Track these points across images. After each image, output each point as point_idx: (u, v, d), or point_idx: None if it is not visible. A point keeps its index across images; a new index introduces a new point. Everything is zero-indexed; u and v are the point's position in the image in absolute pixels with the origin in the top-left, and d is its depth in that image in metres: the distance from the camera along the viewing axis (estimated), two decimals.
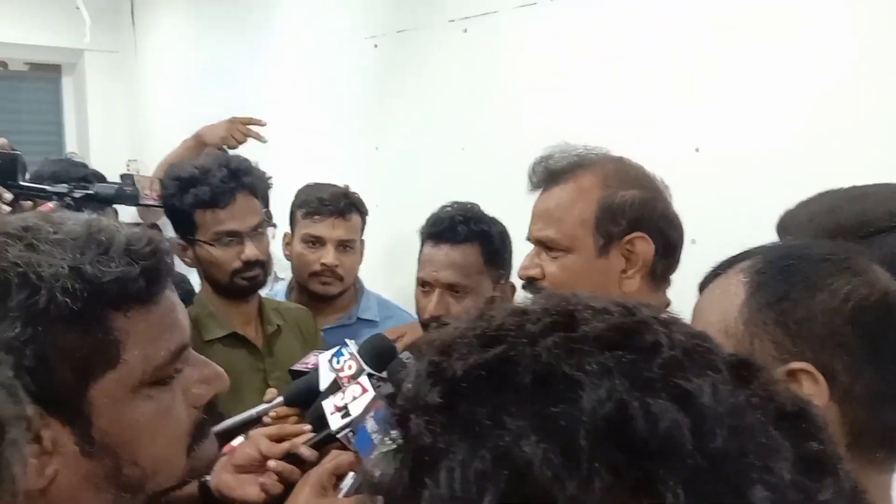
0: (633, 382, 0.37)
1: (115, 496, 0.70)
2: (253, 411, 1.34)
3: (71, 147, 4.46)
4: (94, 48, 4.18)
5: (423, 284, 1.62)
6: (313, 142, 3.13)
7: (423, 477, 0.38)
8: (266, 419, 1.33)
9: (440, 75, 2.63)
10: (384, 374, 1.23)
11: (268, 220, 1.74)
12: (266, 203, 2.48)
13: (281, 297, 2.07)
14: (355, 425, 1.12)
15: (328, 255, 1.95)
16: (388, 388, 1.19)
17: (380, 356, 1.28)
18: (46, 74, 4.51)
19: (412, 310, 2.03)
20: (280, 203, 2.06)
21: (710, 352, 0.42)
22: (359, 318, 2.06)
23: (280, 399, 1.35)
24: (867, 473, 0.72)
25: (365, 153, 2.91)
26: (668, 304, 1.30)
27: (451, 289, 1.59)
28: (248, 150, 2.94)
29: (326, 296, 1.99)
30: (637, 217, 1.26)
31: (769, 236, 1.78)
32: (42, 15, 4.11)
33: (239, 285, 1.66)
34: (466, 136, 2.56)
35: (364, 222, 2.07)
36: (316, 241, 1.97)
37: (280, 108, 3.32)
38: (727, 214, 1.93)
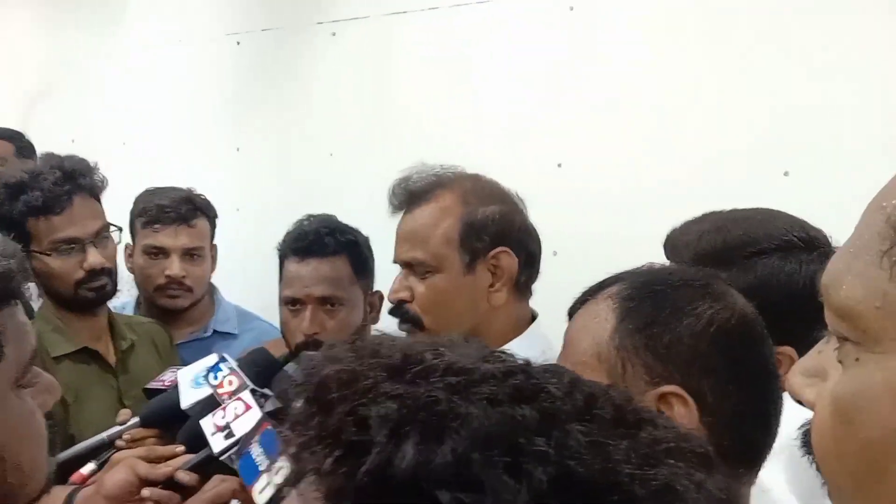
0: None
1: None
2: (104, 434, 1.24)
3: None
4: None
5: (293, 303, 1.54)
6: (169, 142, 2.97)
7: None
8: (119, 442, 1.23)
9: (307, 78, 2.57)
10: (266, 391, 1.18)
11: (112, 224, 1.62)
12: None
13: (129, 312, 1.93)
14: (241, 448, 1.06)
15: (173, 266, 1.81)
16: (272, 404, 1.13)
17: (262, 371, 1.23)
18: None
19: (274, 318, 1.97)
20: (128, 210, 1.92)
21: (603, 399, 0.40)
22: (215, 331, 1.96)
23: (136, 420, 1.26)
24: (735, 491, 0.76)
25: (225, 154, 2.79)
26: (532, 314, 1.35)
27: (325, 303, 1.53)
28: (96, 149, 2.75)
29: (176, 309, 1.87)
30: (499, 232, 1.30)
31: (628, 248, 1.92)
32: None
33: (84, 297, 1.54)
34: (334, 142, 2.52)
35: (213, 226, 1.93)
36: (159, 252, 1.83)
37: (133, 105, 3.13)
38: (587, 227, 2.02)
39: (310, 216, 1.64)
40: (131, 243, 1.90)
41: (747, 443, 0.77)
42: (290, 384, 0.92)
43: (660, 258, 1.82)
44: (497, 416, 0.35)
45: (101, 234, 1.55)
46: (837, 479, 0.52)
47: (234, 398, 1.14)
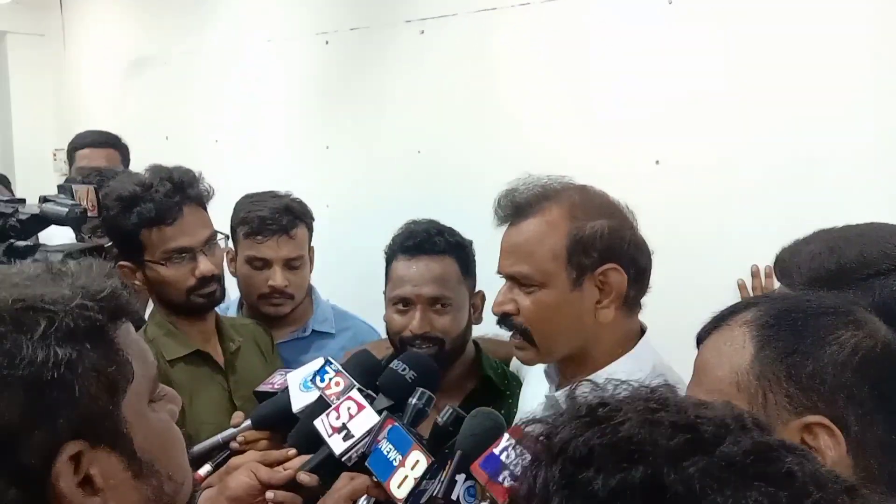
0: None
1: None
2: (219, 437, 1.29)
3: None
4: (17, 30, 3.93)
5: (403, 303, 1.55)
6: (260, 140, 3.04)
7: None
8: (233, 444, 1.28)
9: (395, 76, 2.58)
10: (370, 392, 1.20)
11: (220, 232, 1.66)
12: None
13: (233, 313, 2.00)
14: (369, 445, 1.09)
15: (276, 277, 1.85)
16: (381, 402, 1.17)
17: (367, 371, 1.26)
18: None
19: (368, 313, 2.00)
20: (226, 208, 1.98)
21: (836, 480, 0.44)
22: (314, 331, 2.01)
23: (248, 423, 1.31)
24: None
25: (315, 152, 2.84)
26: (642, 328, 1.32)
27: (435, 303, 1.54)
28: (189, 147, 2.85)
29: (279, 316, 1.93)
30: (608, 247, 1.26)
31: (730, 246, 1.87)
32: None
33: (196, 303, 1.58)
34: (423, 139, 2.53)
35: (311, 230, 1.97)
36: (262, 263, 1.87)
37: (223, 104, 3.21)
38: (688, 224, 1.98)
39: (412, 221, 1.64)
40: (233, 249, 1.96)
41: (893, 473, 0.75)
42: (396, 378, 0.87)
43: (756, 256, 1.79)
44: None
45: (210, 242, 1.60)
46: None
47: (345, 398, 1.17)
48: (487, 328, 1.57)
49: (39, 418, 0.62)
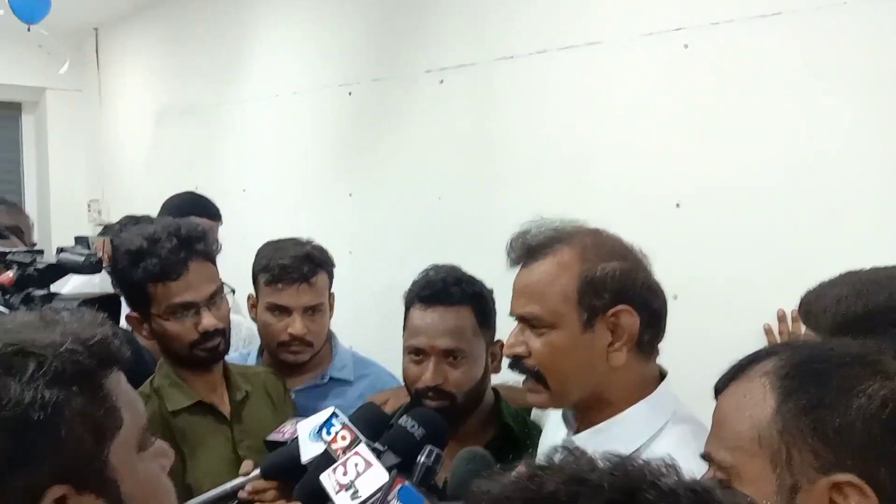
0: None
1: None
2: (228, 485, 1.28)
3: (30, 185, 4.35)
4: (56, 86, 4.10)
5: (416, 353, 1.54)
6: (286, 187, 3.10)
7: None
8: (242, 494, 1.27)
9: (416, 124, 2.62)
10: (378, 445, 1.18)
11: (226, 284, 1.65)
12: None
13: (252, 359, 2.00)
14: None
15: (295, 325, 1.84)
16: (388, 459, 1.14)
17: (374, 425, 1.24)
18: (6, 112, 4.40)
19: (390, 360, 1.97)
20: (252, 254, 2.00)
21: None
22: (332, 378, 2.00)
23: (257, 472, 1.29)
24: None
25: (338, 199, 2.88)
26: (662, 373, 1.29)
27: (449, 355, 1.52)
28: (219, 195, 2.90)
29: (297, 363, 1.92)
30: (619, 289, 1.24)
31: (753, 291, 1.82)
32: (2, 52, 4.03)
33: (199, 357, 1.58)
34: (443, 186, 2.54)
35: (331, 276, 1.97)
36: (282, 311, 1.87)
37: (251, 152, 3.28)
38: (709, 267, 1.94)
39: (434, 266, 1.64)
40: (254, 294, 1.97)
41: None
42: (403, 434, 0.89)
43: (782, 300, 1.74)
44: None
45: (216, 297, 1.59)
46: None
47: (352, 453, 1.14)
48: (510, 375, 1.54)
49: (25, 459, 0.62)
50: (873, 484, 0.69)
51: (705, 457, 0.80)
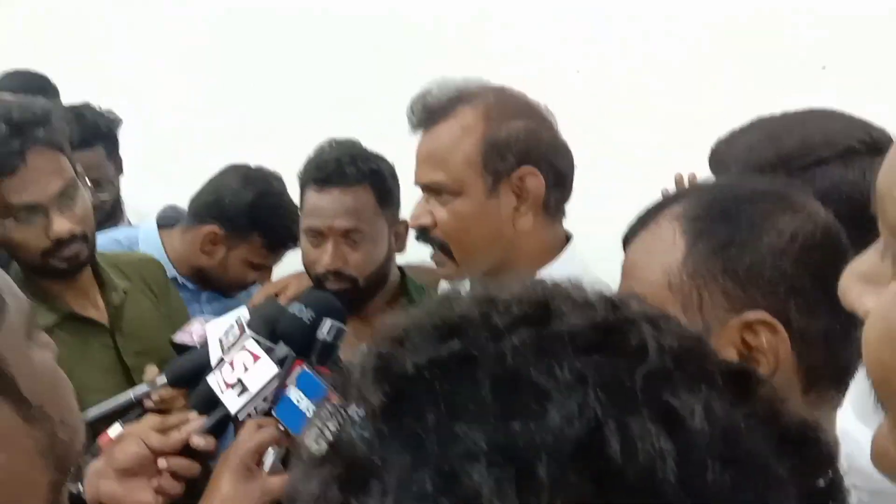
0: (611, 396, 0.31)
1: (54, 476, 0.65)
2: (130, 393, 1.13)
3: None
4: None
5: (314, 234, 1.47)
6: None
7: (352, 497, 0.32)
8: (148, 403, 1.14)
9: None
10: (267, 342, 1.09)
11: (83, 174, 1.36)
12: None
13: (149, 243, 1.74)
14: (275, 397, 0.98)
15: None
16: (282, 350, 1.03)
17: (269, 320, 1.10)
18: None
19: None
20: None
21: (705, 359, 0.35)
22: None
23: (163, 379, 1.18)
24: (825, 415, 0.70)
25: None
26: (567, 236, 1.27)
27: (347, 236, 1.46)
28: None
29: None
30: (524, 150, 1.20)
31: (663, 158, 1.82)
32: None
33: (56, 268, 1.33)
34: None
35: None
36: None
37: None
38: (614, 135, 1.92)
39: (332, 141, 1.53)
40: None
41: (838, 364, 0.70)
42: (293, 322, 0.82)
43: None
44: None
45: (67, 195, 1.31)
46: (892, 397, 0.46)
47: (239, 349, 1.04)
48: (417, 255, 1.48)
49: None
50: (783, 319, 0.68)
51: None
